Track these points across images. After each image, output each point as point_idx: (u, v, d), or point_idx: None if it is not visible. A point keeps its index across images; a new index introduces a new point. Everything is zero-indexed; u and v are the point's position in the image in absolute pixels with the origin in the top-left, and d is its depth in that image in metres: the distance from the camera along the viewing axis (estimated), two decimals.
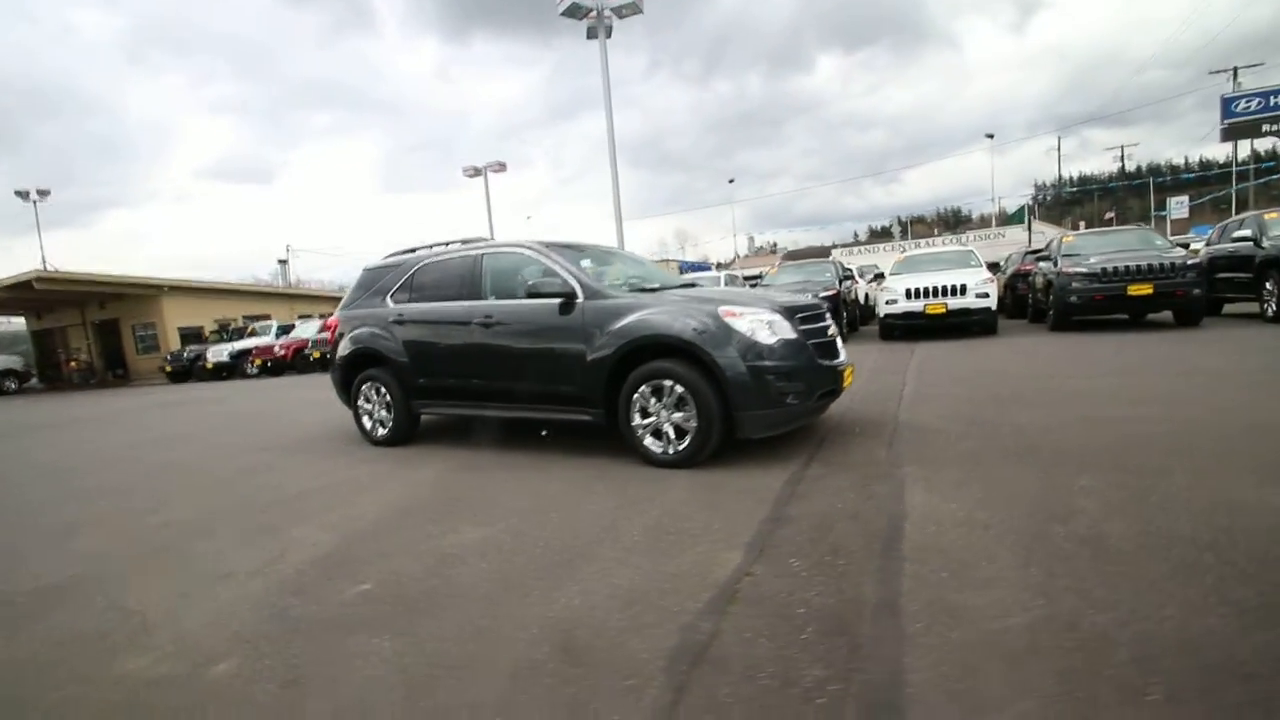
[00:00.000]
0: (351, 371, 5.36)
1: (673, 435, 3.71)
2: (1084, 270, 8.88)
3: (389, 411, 5.14)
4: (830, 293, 10.40)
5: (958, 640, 1.75)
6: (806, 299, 4.32)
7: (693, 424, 3.62)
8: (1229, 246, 9.40)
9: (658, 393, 3.73)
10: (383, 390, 5.14)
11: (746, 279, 15.98)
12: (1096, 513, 2.53)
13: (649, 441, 3.80)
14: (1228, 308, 10.16)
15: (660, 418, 3.74)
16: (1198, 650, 1.61)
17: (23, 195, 26.11)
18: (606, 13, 13.80)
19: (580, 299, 4.06)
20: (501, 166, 24.60)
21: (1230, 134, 26.02)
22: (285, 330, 20.32)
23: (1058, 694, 1.51)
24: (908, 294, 9.84)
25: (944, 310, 9.55)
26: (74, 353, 26.09)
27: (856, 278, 14.90)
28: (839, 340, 4.17)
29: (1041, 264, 11.24)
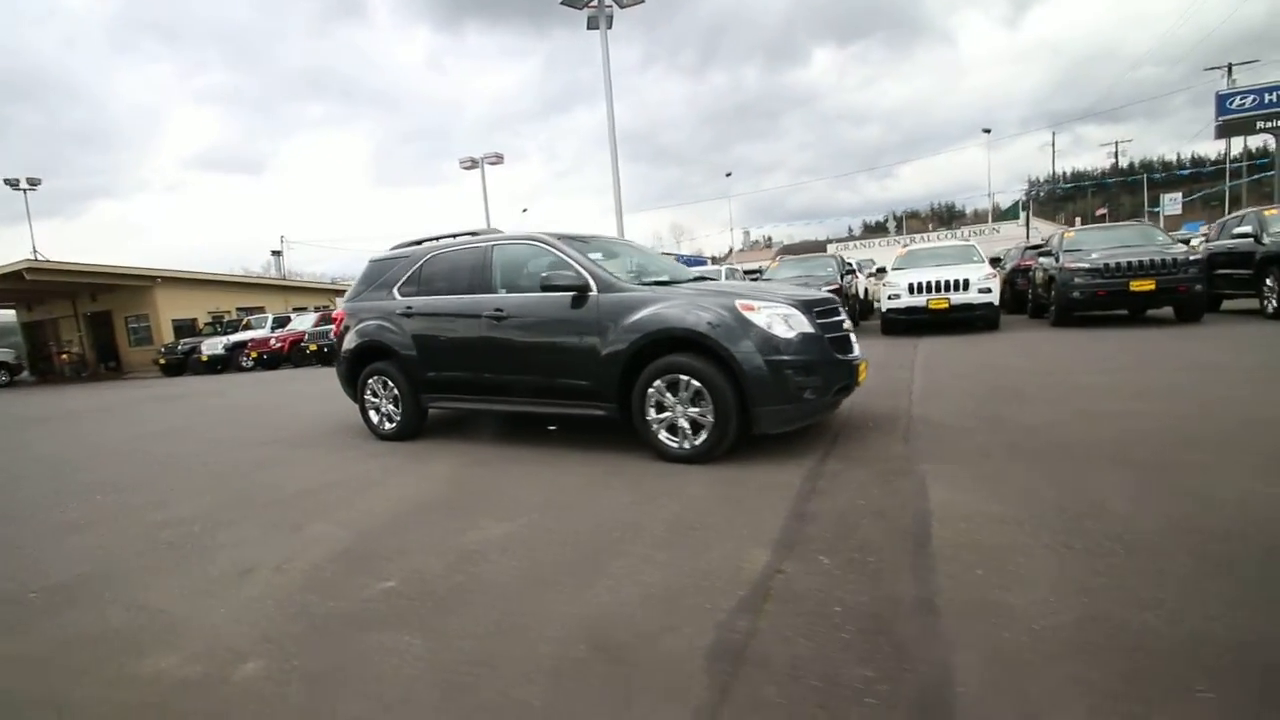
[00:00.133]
0: (358, 365, 5.30)
1: (688, 430, 3.68)
2: (1087, 266, 8.89)
3: (396, 405, 5.09)
4: (832, 287, 10.38)
5: (1004, 639, 1.73)
6: (821, 293, 4.29)
7: (709, 419, 3.59)
8: (1229, 243, 9.43)
9: (673, 387, 3.70)
10: (390, 384, 5.08)
11: (746, 273, 15.93)
12: (1126, 509, 2.53)
13: (664, 436, 3.77)
14: (1226, 304, 10.21)
15: (675, 412, 3.71)
16: (1251, 650, 1.60)
17: (12, 184, 25.73)
18: (608, 2, 13.67)
19: (594, 292, 4.01)
20: (498, 159, 24.41)
21: (1225, 130, 26.07)
22: (281, 323, 20.15)
23: (1116, 694, 1.49)
24: (910, 289, 9.83)
25: (947, 305, 9.55)
26: (65, 345, 25.80)
27: (858, 272, 14.87)
28: (853, 335, 4.15)
29: (1042, 259, 11.26)
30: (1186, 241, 11.12)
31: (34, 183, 25.91)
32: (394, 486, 3.83)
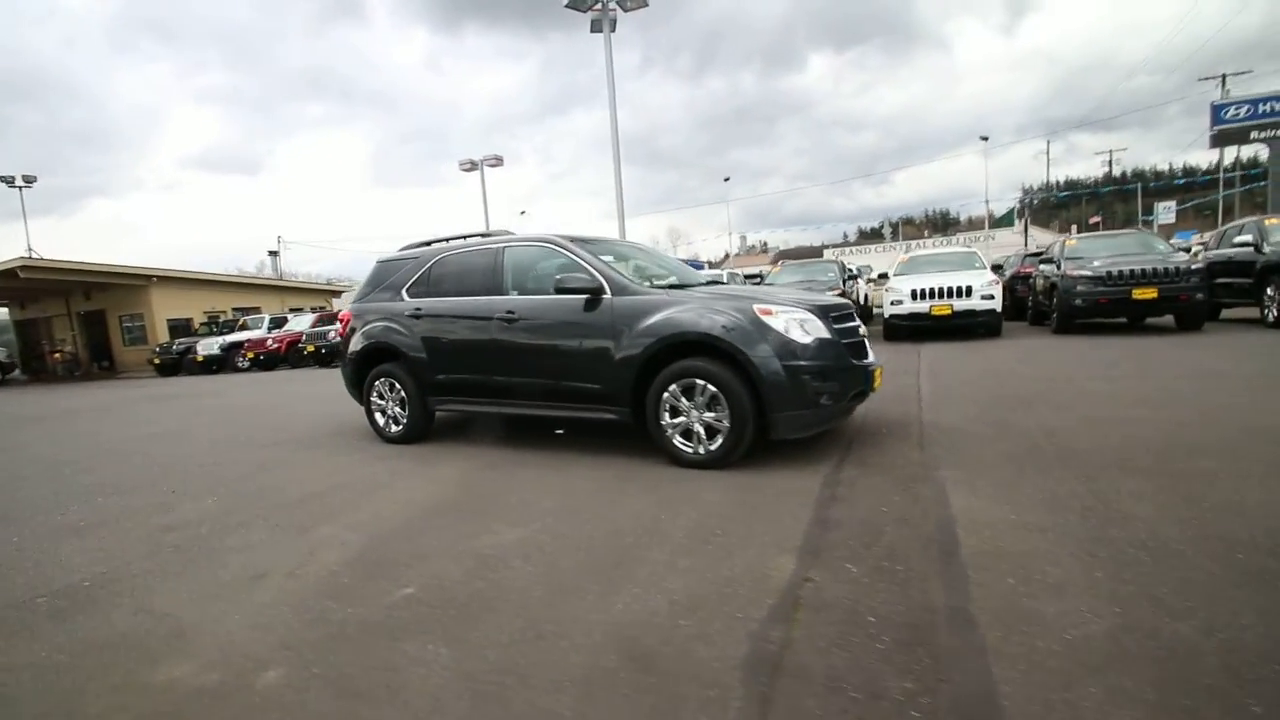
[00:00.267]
0: (364, 367, 5.25)
1: (703, 435, 3.65)
2: (1089, 273, 8.93)
3: (403, 408, 5.04)
4: (835, 293, 10.38)
5: (1042, 649, 1.71)
6: (835, 298, 4.28)
7: (725, 424, 3.56)
8: (1229, 252, 9.48)
9: (688, 392, 3.67)
10: (397, 386, 5.04)
11: (746, 277, 15.93)
12: (1151, 517, 2.51)
13: (678, 441, 3.74)
14: (1226, 313, 10.26)
15: (691, 417, 3.68)
16: None
17: (7, 181, 25.52)
18: (611, 5, 13.68)
19: (608, 295, 3.98)
20: (498, 161, 24.39)
21: (1220, 140, 26.27)
22: (278, 323, 20.03)
23: (1157, 704, 1.47)
24: (913, 295, 9.85)
25: (950, 312, 9.57)
26: (58, 344, 25.58)
27: (859, 278, 14.89)
28: (867, 340, 4.13)
29: (1043, 266, 11.29)
30: (1187, 250, 11.17)
31: (29, 180, 25.71)
32: (403, 490, 3.78)
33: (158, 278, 22.74)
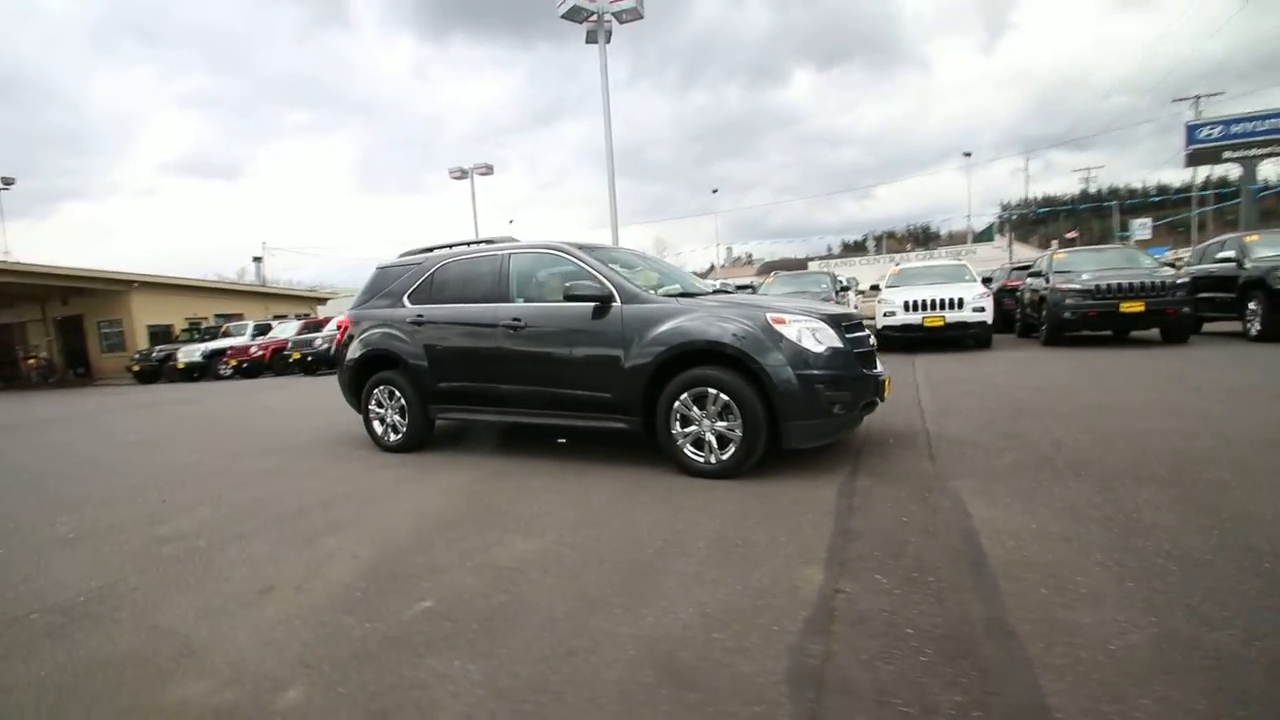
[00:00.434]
0: (363, 374, 5.16)
1: (715, 444, 3.62)
2: (1078, 287, 9.08)
3: (403, 416, 4.95)
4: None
5: (1086, 660, 1.69)
6: (845, 308, 4.28)
7: (737, 433, 3.53)
8: (1211, 267, 9.71)
9: (700, 400, 3.64)
10: (397, 394, 4.95)
11: (739, 288, 15.98)
12: (1172, 527, 2.52)
13: (689, 450, 3.70)
14: (1207, 326, 10.48)
15: (702, 426, 3.64)
16: None
17: None
18: (607, 17, 13.75)
19: (618, 303, 3.95)
20: (488, 169, 24.35)
21: (1194, 159, 27.02)
22: (262, 330, 19.73)
23: (1210, 715, 1.46)
24: (906, 306, 9.94)
25: (942, 323, 9.67)
26: (33, 350, 24.92)
27: (849, 289, 15.00)
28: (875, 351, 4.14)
29: (1031, 280, 11.49)
30: (1172, 264, 11.41)
31: (9, 182, 25.17)
32: (408, 500, 3.70)
33: (139, 283, 22.29)
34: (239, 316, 24.31)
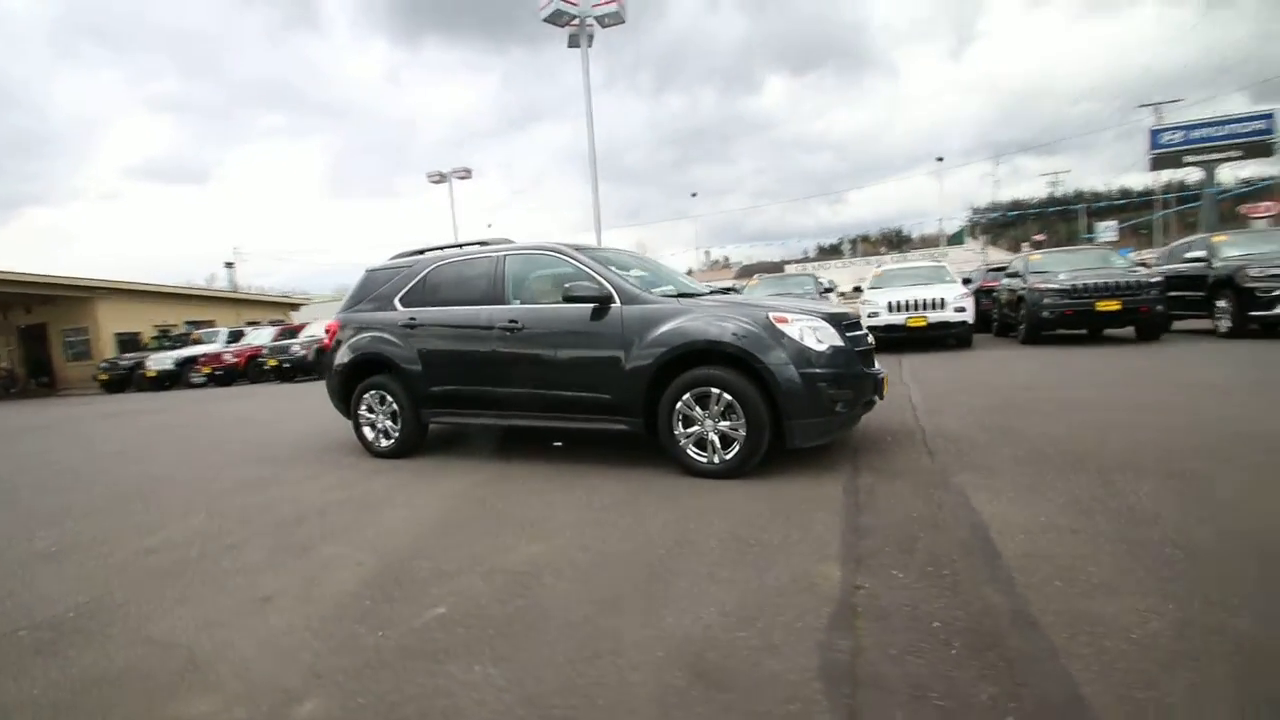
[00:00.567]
0: (353, 379, 5.05)
1: (718, 444, 3.61)
2: (1055, 286, 9.28)
3: (394, 421, 4.85)
4: None
5: (1112, 649, 1.70)
6: (843, 307, 4.31)
7: (740, 433, 3.53)
8: (1181, 267, 9.99)
9: (702, 400, 3.63)
10: (388, 399, 4.85)
11: (723, 290, 16.03)
12: (1174, 517, 2.56)
13: (692, 451, 3.68)
14: (1177, 324, 10.78)
15: (705, 426, 3.63)
16: None
17: None
18: (590, 21, 13.74)
19: (617, 303, 3.92)
20: (467, 173, 24.13)
21: (1157, 163, 27.91)
22: (235, 337, 19.26)
23: (1244, 699, 1.48)
24: (889, 307, 10.06)
25: (925, 323, 9.81)
26: None
27: (832, 291, 15.16)
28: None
29: (1007, 280, 11.72)
30: (1145, 264, 11.73)
31: None
32: (406, 505, 3.62)
33: (105, 290, 21.61)
34: (210, 323, 23.68)
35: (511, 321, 4.26)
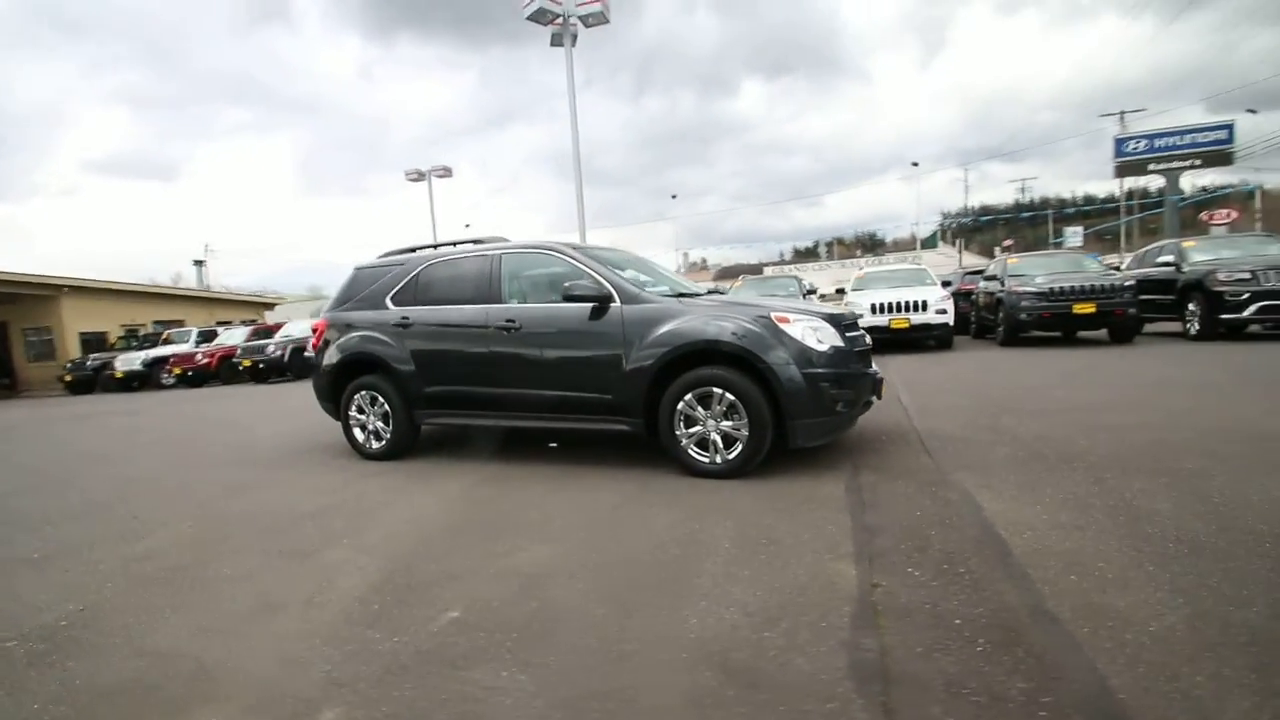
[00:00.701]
0: (342, 379, 4.94)
1: (720, 444, 3.61)
2: (1033, 290, 9.51)
3: (386, 422, 4.77)
4: None
5: (1132, 643, 1.74)
6: (842, 308, 4.35)
7: (743, 433, 3.54)
8: (1152, 271, 10.31)
9: (704, 400, 3.63)
10: (380, 399, 4.76)
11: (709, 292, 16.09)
12: (1171, 513, 2.63)
13: (694, 451, 3.68)
14: (1148, 327, 11.12)
15: (707, 426, 3.63)
16: None
17: None
18: (573, 20, 13.69)
19: (617, 303, 3.91)
20: (447, 171, 23.87)
21: (1122, 170, 28.85)
22: (206, 337, 18.77)
23: (1265, 689, 1.52)
24: (873, 309, 10.20)
25: (907, 325, 9.97)
26: None
27: (814, 293, 15.31)
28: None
29: (985, 283, 11.98)
30: (1118, 268, 12.08)
31: None
32: (405, 508, 3.55)
33: (69, 288, 20.89)
34: (180, 323, 23.06)
35: (509, 321, 4.21)
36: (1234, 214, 32.55)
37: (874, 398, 3.98)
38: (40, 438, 8.22)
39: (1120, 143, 28.23)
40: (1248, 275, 8.37)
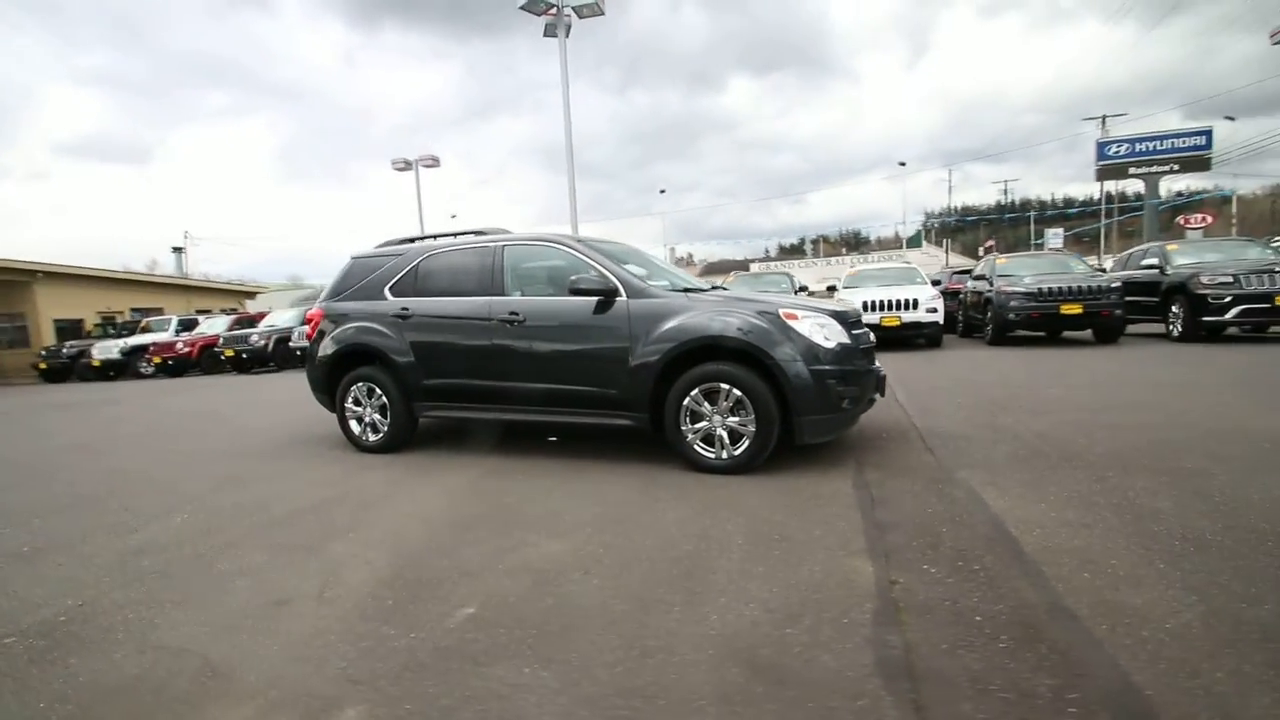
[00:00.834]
0: (338, 371, 4.86)
1: (726, 440, 3.61)
2: (1021, 290, 9.64)
3: (383, 415, 4.70)
4: None
5: (1151, 639, 1.76)
6: (846, 305, 4.37)
7: (750, 428, 3.54)
8: (1136, 273, 10.50)
9: (711, 396, 3.62)
10: (377, 391, 4.69)
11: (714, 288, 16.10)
12: (1176, 512, 2.68)
13: (699, 447, 3.67)
14: (1131, 328, 11.32)
15: (714, 422, 3.62)
16: None
17: None
18: (567, 10, 13.55)
19: (623, 297, 3.88)
20: (434, 161, 23.58)
21: (1103, 174, 29.26)
22: (187, 325, 18.41)
23: None
24: (865, 307, 10.25)
25: (898, 323, 10.05)
26: None
27: (805, 290, 15.39)
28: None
29: (973, 283, 12.12)
30: (1104, 270, 12.27)
31: None
32: (409, 502, 3.51)
33: (43, 273, 20.35)
34: (159, 311, 22.58)
35: (513, 313, 4.17)
36: (1209, 218, 33.27)
37: (877, 394, 3.99)
38: (20, 427, 8.01)
39: (1102, 146, 28.63)
40: (1230, 279, 8.55)
